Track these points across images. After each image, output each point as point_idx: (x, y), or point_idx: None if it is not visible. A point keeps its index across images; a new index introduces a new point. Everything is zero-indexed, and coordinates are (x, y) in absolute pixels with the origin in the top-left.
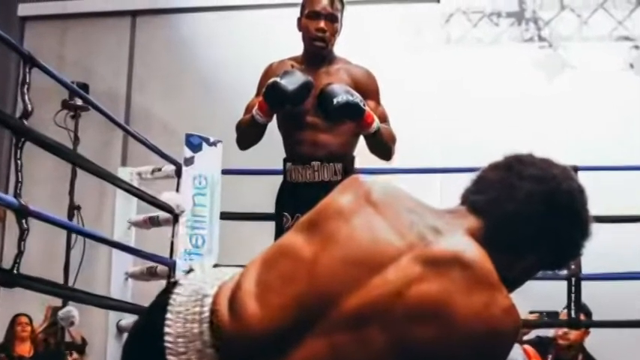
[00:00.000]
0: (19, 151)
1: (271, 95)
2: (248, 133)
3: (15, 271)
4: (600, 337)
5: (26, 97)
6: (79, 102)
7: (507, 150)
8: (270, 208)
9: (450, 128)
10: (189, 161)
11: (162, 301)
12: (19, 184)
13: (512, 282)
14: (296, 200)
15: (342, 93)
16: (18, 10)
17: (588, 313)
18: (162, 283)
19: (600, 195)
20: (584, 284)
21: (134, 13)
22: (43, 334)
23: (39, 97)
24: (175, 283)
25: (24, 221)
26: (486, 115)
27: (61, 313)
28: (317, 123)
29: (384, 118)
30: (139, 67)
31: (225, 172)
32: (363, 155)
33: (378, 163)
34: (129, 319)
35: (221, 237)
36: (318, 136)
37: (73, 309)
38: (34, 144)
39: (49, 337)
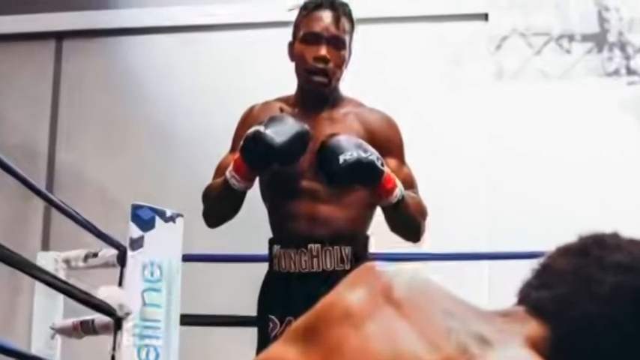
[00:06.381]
0: None
1: (252, 150)
2: (220, 204)
3: None
4: None
5: None
6: None
7: (582, 228)
8: (251, 310)
9: (501, 197)
10: (136, 243)
11: None
12: None
13: None
14: (287, 298)
15: (352, 148)
16: None
17: None
18: None
19: None
20: None
21: (59, 36)
22: None
23: None
24: None
25: None
26: (552, 178)
27: None
28: (316, 190)
29: (410, 183)
30: (67, 110)
31: (187, 258)
32: (380, 235)
33: (402, 245)
34: None
35: (182, 349)
36: (317, 208)
37: None
38: None
39: None
